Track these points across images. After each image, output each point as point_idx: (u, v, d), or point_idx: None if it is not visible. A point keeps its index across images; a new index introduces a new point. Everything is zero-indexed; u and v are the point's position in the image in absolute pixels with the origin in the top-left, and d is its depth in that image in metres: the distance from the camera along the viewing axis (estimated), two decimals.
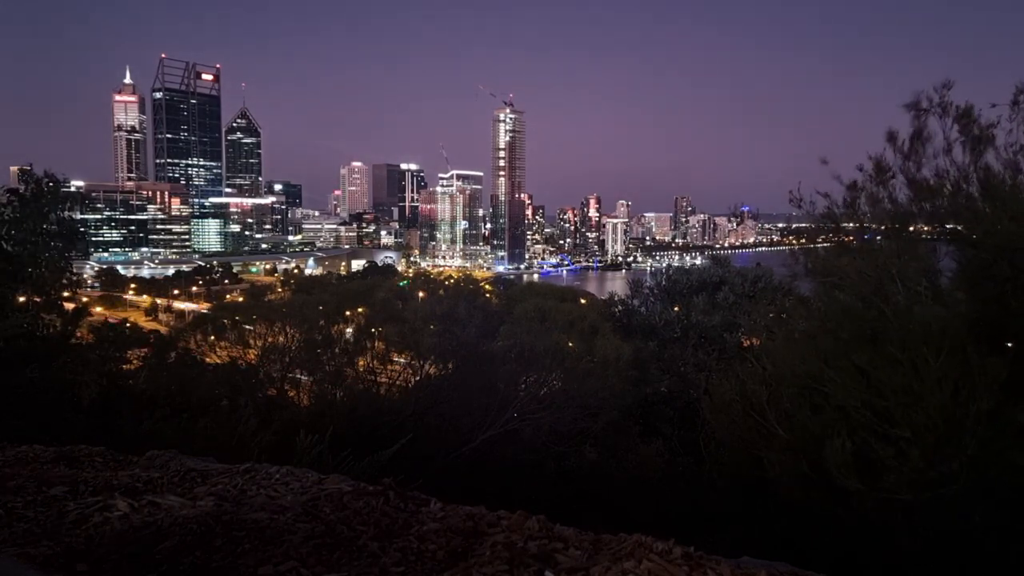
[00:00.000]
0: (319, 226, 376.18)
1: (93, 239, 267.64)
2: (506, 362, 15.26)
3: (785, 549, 6.27)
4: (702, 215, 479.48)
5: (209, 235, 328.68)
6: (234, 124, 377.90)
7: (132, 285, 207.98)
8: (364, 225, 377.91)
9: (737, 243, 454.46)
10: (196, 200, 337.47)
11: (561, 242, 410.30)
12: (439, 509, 4.92)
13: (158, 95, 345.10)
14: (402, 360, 16.19)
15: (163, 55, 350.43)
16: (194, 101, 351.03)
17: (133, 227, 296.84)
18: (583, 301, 39.91)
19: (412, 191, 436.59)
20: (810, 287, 9.43)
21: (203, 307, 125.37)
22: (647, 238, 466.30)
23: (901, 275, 6.65)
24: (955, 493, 5.90)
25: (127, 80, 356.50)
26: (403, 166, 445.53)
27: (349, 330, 17.65)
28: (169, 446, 6.94)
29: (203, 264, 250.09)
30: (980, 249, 6.51)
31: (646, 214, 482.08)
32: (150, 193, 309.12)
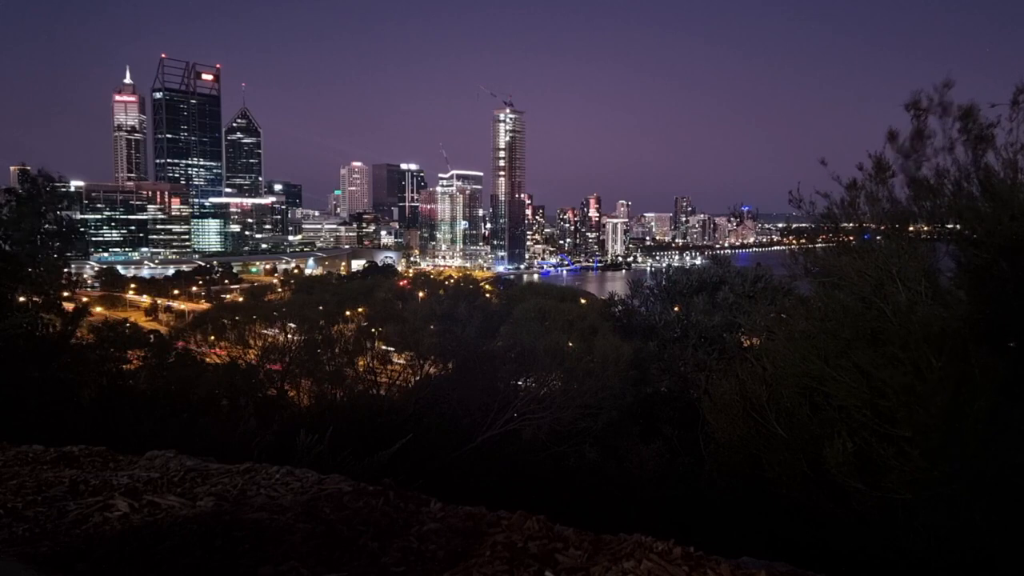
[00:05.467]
0: (319, 226, 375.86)
1: (93, 239, 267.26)
2: (506, 362, 15.25)
3: (785, 549, 6.26)
4: (702, 215, 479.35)
5: (209, 235, 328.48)
6: (234, 124, 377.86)
7: (132, 285, 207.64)
8: (364, 225, 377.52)
9: (737, 243, 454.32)
10: (196, 200, 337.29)
11: (561, 242, 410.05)
12: (439, 509, 4.91)
13: (158, 95, 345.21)
14: (402, 360, 16.19)
15: (163, 55, 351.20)
16: (194, 101, 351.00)
17: (133, 227, 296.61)
18: (583, 301, 39.80)
19: (412, 191, 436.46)
20: (810, 287, 9.43)
21: (203, 307, 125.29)
22: (647, 238, 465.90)
23: (901, 275, 6.64)
24: (955, 492, 5.89)
25: (127, 80, 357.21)
26: (403, 166, 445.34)
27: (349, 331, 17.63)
28: (169, 446, 6.92)
29: (203, 264, 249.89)
30: (981, 249, 6.50)
31: (646, 214, 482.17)
32: (150, 193, 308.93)
